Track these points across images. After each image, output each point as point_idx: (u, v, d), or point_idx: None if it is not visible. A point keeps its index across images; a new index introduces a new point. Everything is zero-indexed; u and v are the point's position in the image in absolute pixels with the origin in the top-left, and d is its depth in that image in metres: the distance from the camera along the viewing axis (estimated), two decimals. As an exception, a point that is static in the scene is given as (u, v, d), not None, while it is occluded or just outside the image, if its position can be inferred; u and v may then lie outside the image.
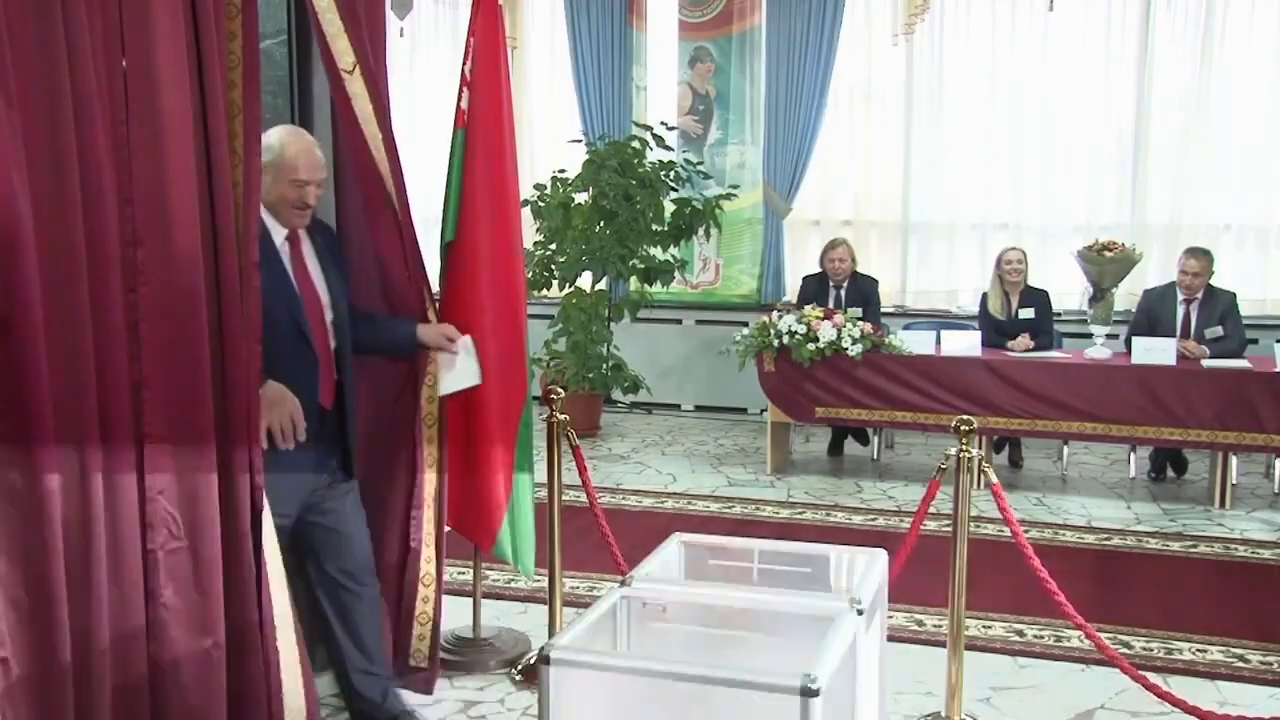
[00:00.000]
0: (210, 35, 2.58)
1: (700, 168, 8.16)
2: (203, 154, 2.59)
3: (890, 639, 3.08)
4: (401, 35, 8.84)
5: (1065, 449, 6.81)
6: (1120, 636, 4.19)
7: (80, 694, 2.34)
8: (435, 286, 3.80)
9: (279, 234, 3.08)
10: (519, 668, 3.88)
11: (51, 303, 2.25)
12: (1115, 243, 6.36)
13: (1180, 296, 6.42)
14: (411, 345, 3.44)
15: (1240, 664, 4.03)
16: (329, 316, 3.17)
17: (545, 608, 3.97)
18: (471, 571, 4.08)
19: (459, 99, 3.70)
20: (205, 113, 2.58)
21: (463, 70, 3.71)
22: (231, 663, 2.71)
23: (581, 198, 7.77)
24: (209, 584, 2.62)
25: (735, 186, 8.11)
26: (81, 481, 2.32)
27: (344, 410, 3.18)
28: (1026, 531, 4.25)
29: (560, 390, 3.95)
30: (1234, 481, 6.13)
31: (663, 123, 8.04)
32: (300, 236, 3.14)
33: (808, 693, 1.88)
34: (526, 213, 7.41)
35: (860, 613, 2.23)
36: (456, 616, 4.18)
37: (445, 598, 4.49)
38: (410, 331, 3.43)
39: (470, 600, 4.08)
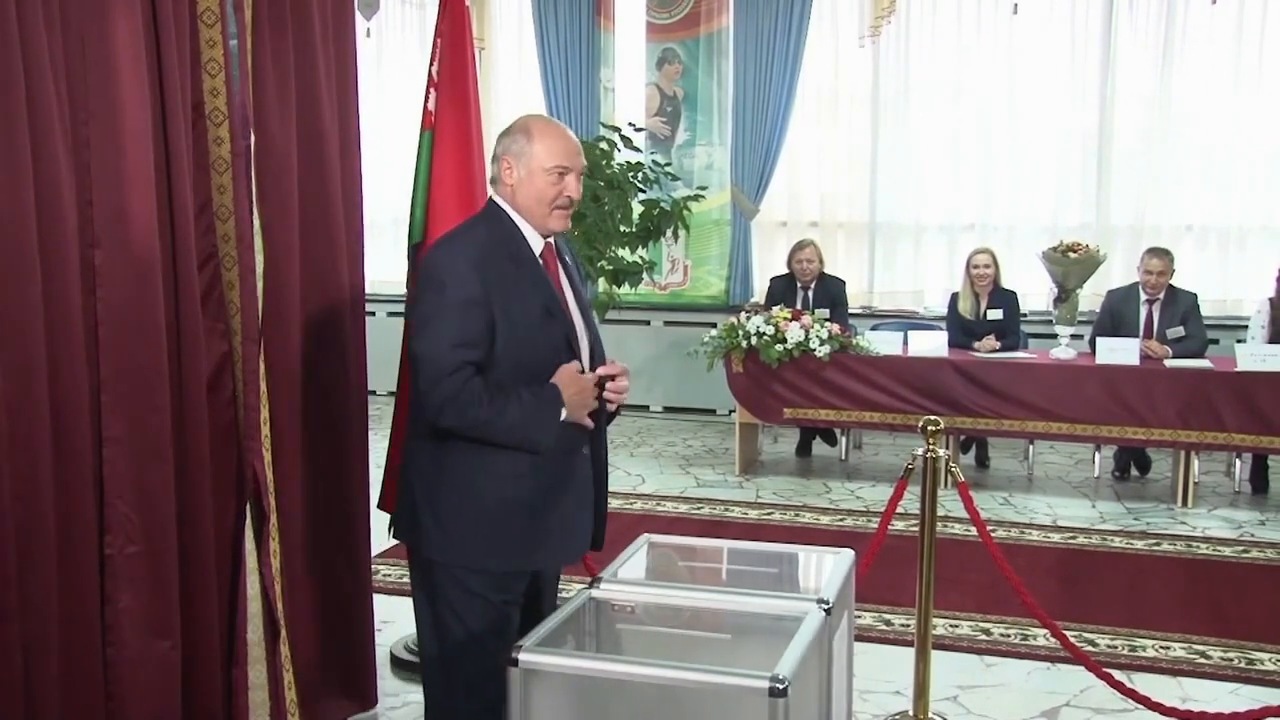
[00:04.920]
0: (169, 39, 2.57)
1: (668, 169, 8.13)
2: (163, 159, 2.58)
3: (858, 638, 3.09)
4: (369, 36, 8.79)
5: (1031, 448, 6.87)
6: (1085, 634, 4.23)
7: (30, 697, 2.32)
8: (405, 288, 3.78)
9: (537, 244, 2.58)
10: (487, 671, 3.85)
11: (2, 304, 2.22)
12: (1079, 244, 6.42)
13: (1143, 297, 6.49)
14: None
15: (1202, 660, 4.08)
16: (585, 350, 2.64)
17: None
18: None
19: (426, 100, 3.68)
20: (165, 118, 2.56)
21: (429, 71, 3.69)
22: (194, 662, 2.69)
23: (549, 199, 7.74)
24: (166, 587, 2.61)
25: (703, 188, 8.09)
26: (31, 485, 2.29)
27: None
28: (993, 531, 4.30)
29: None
30: (1196, 480, 6.20)
31: (630, 124, 8.01)
32: (552, 252, 2.63)
33: (776, 693, 1.88)
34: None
35: (828, 612, 2.24)
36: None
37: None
38: None
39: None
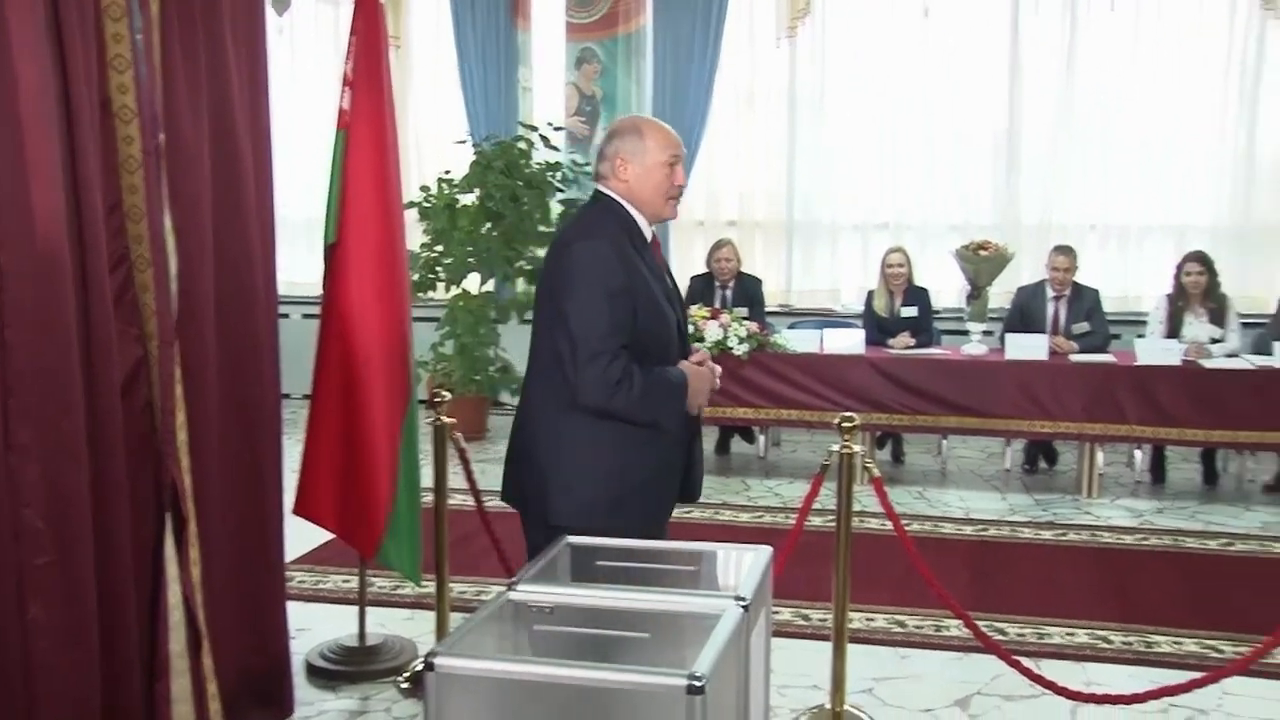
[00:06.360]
0: (72, 33, 2.50)
1: (587, 169, 8.17)
2: (69, 157, 2.51)
3: (776, 634, 3.13)
4: (281, 33, 8.65)
5: (944, 443, 7.01)
6: (996, 623, 4.33)
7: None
8: (320, 289, 3.74)
9: (648, 234, 2.85)
10: (405, 675, 3.83)
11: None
12: (990, 242, 6.58)
13: (1050, 294, 6.68)
14: None
15: (1104, 645, 4.21)
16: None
17: (433, 613, 3.93)
18: (357, 579, 4.01)
19: (340, 99, 3.65)
20: (70, 114, 2.50)
21: (344, 70, 3.66)
22: (114, 676, 2.63)
23: (468, 199, 7.72)
24: (80, 598, 2.54)
25: (622, 187, 8.12)
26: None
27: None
28: (908, 525, 4.37)
29: (446, 393, 3.92)
30: (1100, 471, 6.39)
31: (549, 123, 8.03)
32: (658, 243, 2.92)
33: (694, 690, 1.90)
34: (412, 214, 7.33)
35: (745, 610, 2.26)
36: (341, 625, 4.12)
37: (329, 606, 4.47)
38: None
39: (355, 608, 4.01)
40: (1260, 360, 6.19)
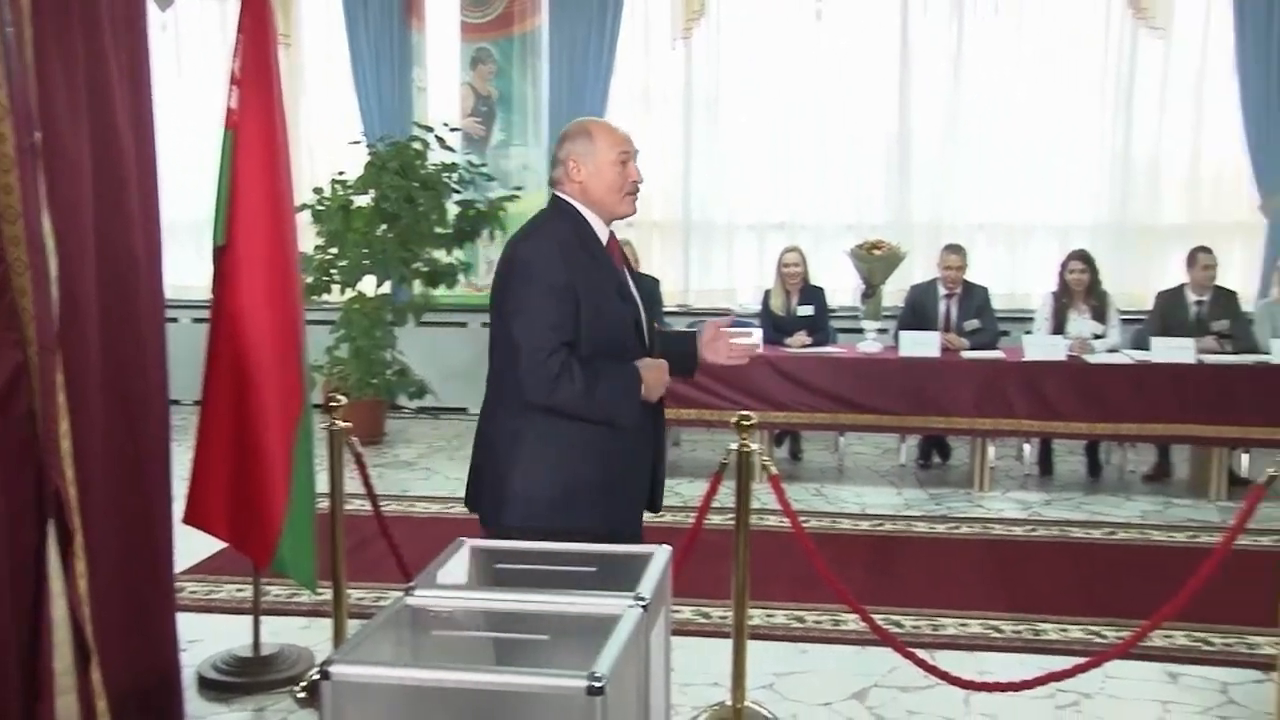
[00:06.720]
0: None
1: (483, 169, 8.12)
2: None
3: (677, 632, 3.14)
4: (164, 29, 8.41)
5: (841, 440, 7.13)
6: (892, 617, 4.42)
7: None
8: (209, 293, 3.65)
9: (603, 234, 2.88)
10: (301, 685, 3.76)
11: None
12: (883, 241, 6.71)
13: (942, 292, 6.86)
14: None
15: (995, 634, 4.33)
16: (646, 332, 2.95)
17: (330, 621, 3.86)
18: (250, 588, 3.92)
19: (228, 98, 3.56)
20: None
21: (231, 68, 3.57)
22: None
23: (362, 200, 7.60)
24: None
25: (519, 188, 8.10)
26: None
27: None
28: (806, 521, 4.43)
29: (341, 397, 3.85)
30: (992, 465, 6.58)
31: (445, 124, 7.96)
32: (615, 241, 2.94)
33: (593, 691, 1.90)
34: (305, 217, 7.20)
35: (645, 609, 2.27)
36: (234, 635, 4.02)
37: (222, 617, 4.36)
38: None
39: (249, 618, 3.92)
40: (1139, 355, 6.43)
